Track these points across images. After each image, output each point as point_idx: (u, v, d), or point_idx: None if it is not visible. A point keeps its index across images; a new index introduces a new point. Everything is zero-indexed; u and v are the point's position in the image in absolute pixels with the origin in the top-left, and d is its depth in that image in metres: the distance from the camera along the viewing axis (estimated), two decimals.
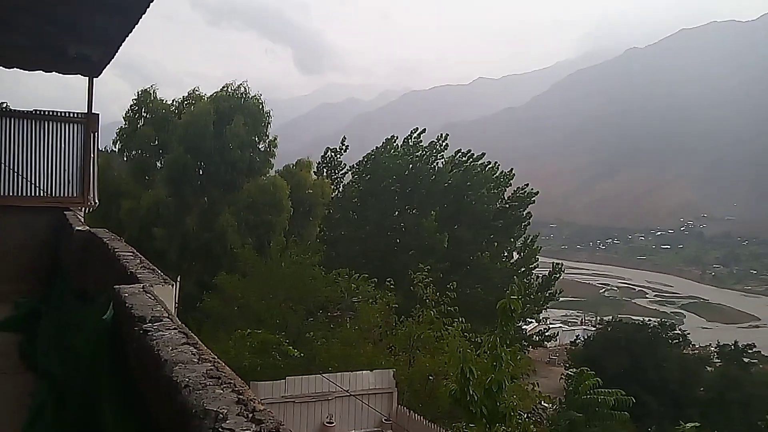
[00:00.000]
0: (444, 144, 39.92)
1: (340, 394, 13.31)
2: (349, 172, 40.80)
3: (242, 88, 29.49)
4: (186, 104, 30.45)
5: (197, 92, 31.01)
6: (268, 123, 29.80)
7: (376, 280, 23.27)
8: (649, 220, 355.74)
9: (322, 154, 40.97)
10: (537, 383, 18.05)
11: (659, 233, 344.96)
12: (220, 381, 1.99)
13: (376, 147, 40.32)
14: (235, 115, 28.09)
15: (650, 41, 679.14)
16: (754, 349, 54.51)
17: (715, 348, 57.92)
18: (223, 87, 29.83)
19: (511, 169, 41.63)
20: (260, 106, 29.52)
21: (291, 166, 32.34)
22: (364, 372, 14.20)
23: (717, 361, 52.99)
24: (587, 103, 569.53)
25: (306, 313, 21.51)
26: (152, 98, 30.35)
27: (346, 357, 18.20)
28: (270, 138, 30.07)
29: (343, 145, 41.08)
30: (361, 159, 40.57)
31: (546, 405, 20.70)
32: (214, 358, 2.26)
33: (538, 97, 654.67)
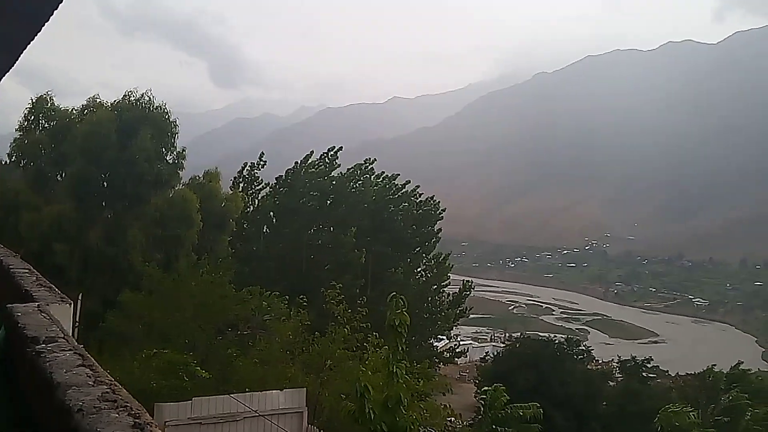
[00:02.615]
0: (370, 166, 40.18)
1: (249, 415, 13.03)
2: (267, 188, 40.30)
3: (146, 98, 28.09)
4: (86, 113, 28.74)
5: (98, 100, 29.26)
6: (176, 134, 28.62)
7: (288, 297, 22.99)
8: (556, 240, 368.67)
9: (240, 168, 40.32)
10: (449, 403, 18.33)
11: (565, 252, 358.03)
12: (115, 404, 1.91)
13: (296, 162, 40.04)
14: (140, 126, 26.87)
15: (558, 66, 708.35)
16: (652, 364, 57.07)
17: (617, 363, 60.36)
18: (125, 95, 28.27)
19: (415, 186, 42.10)
20: (166, 117, 28.36)
21: (199, 177, 31.35)
22: (273, 392, 13.96)
23: (618, 375, 55.22)
24: (499, 124, 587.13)
25: (215, 331, 20.97)
26: (49, 106, 28.84)
27: (257, 376, 17.85)
28: (178, 149, 29.05)
29: (261, 159, 40.64)
30: (280, 174, 40.13)
31: (456, 421, 20.93)
32: (111, 380, 2.17)
33: (451, 118, 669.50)
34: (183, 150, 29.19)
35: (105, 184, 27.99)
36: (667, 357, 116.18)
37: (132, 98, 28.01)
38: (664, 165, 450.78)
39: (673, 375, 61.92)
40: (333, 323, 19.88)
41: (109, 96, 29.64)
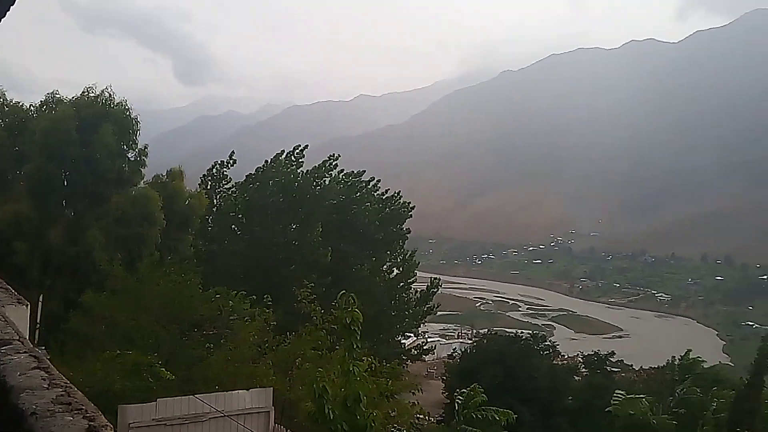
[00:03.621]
0: (334, 163, 39.95)
1: (215, 415, 12.90)
2: (234, 186, 39.89)
3: (106, 94, 27.46)
4: (44, 109, 28.18)
5: (57, 96, 28.59)
6: (137, 130, 28.18)
7: (254, 297, 22.82)
8: (522, 236, 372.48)
9: (209, 167, 39.88)
10: (417, 401, 18.38)
11: (531, 248, 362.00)
12: (70, 407, 1.86)
13: (266, 161, 39.75)
14: (101, 123, 26.33)
15: (523, 65, 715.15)
16: (616, 358, 58.05)
17: (582, 358, 61.28)
18: (84, 92, 27.63)
19: (377, 181, 42.05)
20: (128, 113, 27.86)
21: (162, 176, 30.87)
22: (240, 391, 13.83)
23: (584, 370, 56.06)
24: (465, 121, 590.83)
25: (180, 332, 20.71)
26: (3, 102, 28.18)
27: (223, 377, 17.68)
28: (140, 147, 28.57)
29: (231, 158, 40.28)
30: (250, 173, 39.78)
31: (424, 419, 21.00)
32: (66, 383, 2.11)
33: (417, 116, 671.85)
34: (145, 147, 28.69)
35: (66, 182, 27.45)
36: (631, 351, 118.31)
37: (92, 95, 27.47)
38: (626, 162, 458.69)
39: (636, 369, 63.12)
40: (307, 323, 19.80)
41: (70, 93, 28.87)
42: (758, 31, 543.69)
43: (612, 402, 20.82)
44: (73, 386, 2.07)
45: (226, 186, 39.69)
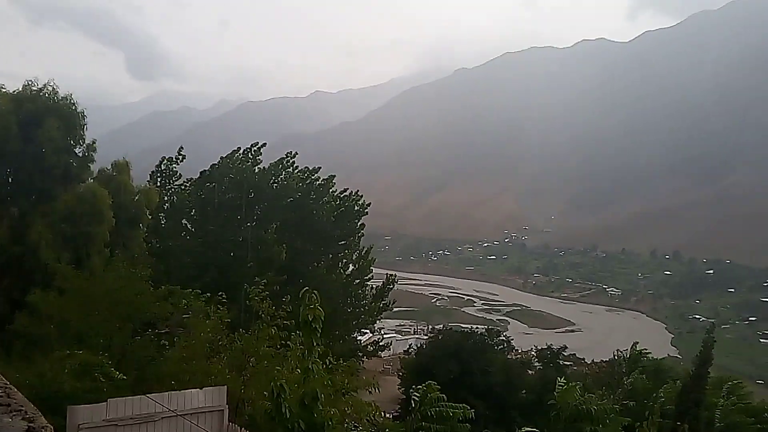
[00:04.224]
0: (292, 160, 39.60)
1: (167, 415, 12.66)
2: (187, 183, 39.18)
3: (49, 88, 26.52)
4: None
5: (2, 90, 27.12)
6: (84, 125, 27.34)
7: (209, 294, 22.53)
8: (476, 232, 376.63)
9: (157, 163, 39.05)
10: (374, 401, 18.38)
11: (486, 244, 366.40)
12: (9, 408, 1.79)
13: (221, 157, 39.15)
14: (45, 117, 25.50)
15: (477, 62, 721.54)
16: (568, 352, 59.06)
17: (535, 352, 62.15)
18: (25, 86, 26.59)
19: (332, 177, 41.91)
20: (73, 107, 27.03)
21: (107, 169, 29.99)
22: (193, 390, 13.59)
23: (537, 364, 56.86)
24: (420, 118, 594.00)
25: (132, 331, 20.32)
26: None
27: (176, 376, 17.41)
28: (89, 142, 27.78)
29: (180, 154, 39.48)
30: (204, 169, 39.10)
31: (378, 416, 21.01)
32: (5, 383, 2.03)
33: (373, 112, 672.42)
34: (93, 142, 27.88)
35: (10, 179, 26.61)
36: (583, 345, 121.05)
37: (34, 88, 26.60)
38: (578, 159, 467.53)
39: (588, 362, 64.32)
40: (258, 320, 19.64)
41: (16, 87, 27.83)
42: (703, 32, 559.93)
43: (555, 393, 21.18)
44: (12, 387, 1.99)
45: (176, 183, 38.94)
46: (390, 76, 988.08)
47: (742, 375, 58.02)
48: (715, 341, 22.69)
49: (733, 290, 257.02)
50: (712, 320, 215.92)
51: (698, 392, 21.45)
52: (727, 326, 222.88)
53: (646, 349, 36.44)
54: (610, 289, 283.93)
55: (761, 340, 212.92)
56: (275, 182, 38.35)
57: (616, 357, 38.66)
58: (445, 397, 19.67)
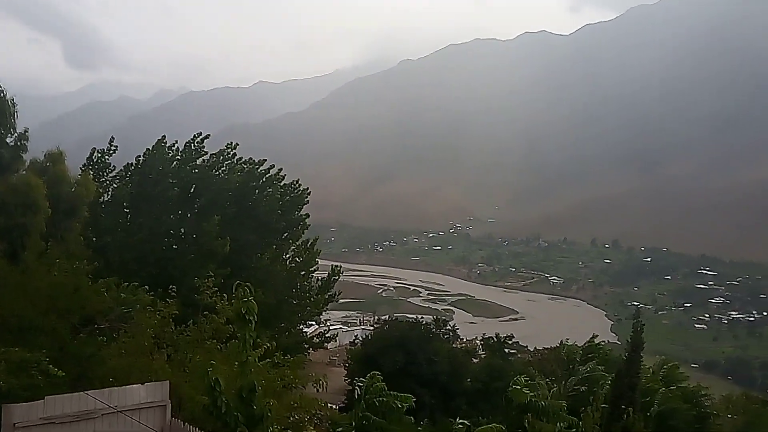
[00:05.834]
0: (233, 152, 38.86)
1: (108, 411, 12.42)
2: (118, 175, 37.90)
3: None
4: None
5: None
6: (15, 113, 26.33)
7: (147, 287, 22.10)
8: (422, 223, 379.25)
9: (88, 155, 37.73)
10: (319, 393, 18.43)
11: (431, 235, 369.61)
12: None
13: (148, 149, 37.98)
14: None
15: (422, 54, 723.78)
16: (513, 340, 60.14)
17: (480, 341, 63.07)
18: None
19: (278, 170, 41.57)
20: (2, 94, 26.04)
21: (39, 160, 28.93)
22: (134, 386, 13.38)
23: (482, 352, 57.75)
24: (365, 109, 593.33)
25: (71, 326, 19.79)
26: None
27: (118, 372, 17.09)
28: (20, 131, 26.75)
29: (111, 145, 38.21)
30: (130, 162, 37.80)
31: (324, 411, 21.06)
32: None
33: (317, 103, 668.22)
34: (25, 131, 26.93)
35: None
36: (526, 333, 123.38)
37: None
38: (521, 151, 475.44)
39: (532, 350, 65.67)
40: (206, 313, 19.40)
41: None
42: (642, 26, 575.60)
43: (512, 386, 21.57)
44: None
45: (110, 175, 37.72)
46: (334, 67, 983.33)
47: (678, 359, 60.13)
48: (643, 325, 23.36)
49: (669, 277, 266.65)
50: (650, 306, 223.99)
51: (632, 377, 22.10)
52: (664, 312, 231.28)
53: (596, 339, 37.27)
54: (552, 277, 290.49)
55: (696, 326, 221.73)
56: (217, 174, 37.70)
57: (562, 346, 39.46)
58: (386, 387, 19.87)
